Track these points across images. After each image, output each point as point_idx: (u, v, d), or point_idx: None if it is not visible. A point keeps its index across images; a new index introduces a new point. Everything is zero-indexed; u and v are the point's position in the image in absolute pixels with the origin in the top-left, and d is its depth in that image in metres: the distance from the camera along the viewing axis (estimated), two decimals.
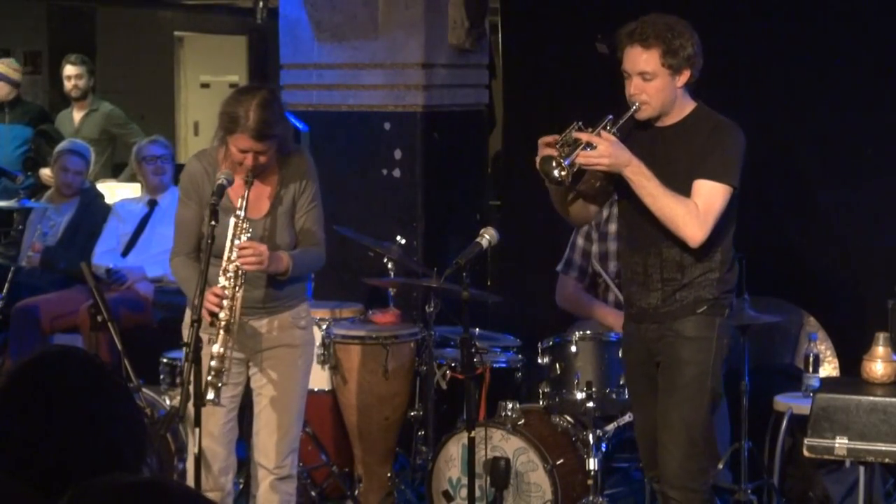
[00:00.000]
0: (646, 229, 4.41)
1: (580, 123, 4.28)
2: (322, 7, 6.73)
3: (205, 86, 14.00)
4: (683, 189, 4.32)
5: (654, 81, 4.32)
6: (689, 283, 4.41)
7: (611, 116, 4.33)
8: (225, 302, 4.42)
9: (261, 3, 8.31)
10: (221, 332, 4.42)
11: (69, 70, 8.70)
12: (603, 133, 4.26)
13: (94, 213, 7.15)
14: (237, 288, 4.45)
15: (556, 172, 4.23)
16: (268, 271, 4.52)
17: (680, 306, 4.42)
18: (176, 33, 13.79)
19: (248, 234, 4.48)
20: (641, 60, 4.32)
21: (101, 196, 7.40)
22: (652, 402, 4.51)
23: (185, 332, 4.63)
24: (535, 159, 4.28)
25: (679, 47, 4.30)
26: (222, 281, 4.44)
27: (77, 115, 8.70)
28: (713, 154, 4.34)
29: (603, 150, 4.23)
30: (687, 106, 4.42)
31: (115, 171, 8.76)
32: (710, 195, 4.31)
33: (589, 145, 4.23)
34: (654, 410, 4.50)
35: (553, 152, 4.24)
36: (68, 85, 8.71)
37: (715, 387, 4.45)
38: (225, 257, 4.46)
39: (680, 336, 4.42)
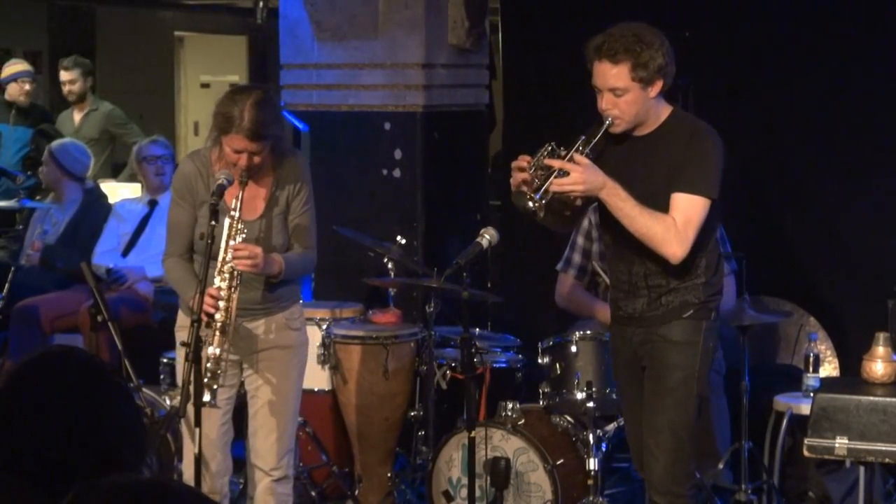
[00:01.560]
0: (629, 241, 4.30)
1: (553, 145, 4.19)
2: (322, 7, 6.72)
3: (205, 86, 13.97)
4: (663, 200, 4.21)
5: (625, 96, 4.19)
6: (675, 288, 4.33)
7: (583, 137, 4.21)
8: (221, 303, 4.39)
9: (261, 3, 8.32)
10: (217, 333, 4.39)
11: (62, 76, 8.71)
12: (576, 157, 4.15)
13: (95, 212, 7.14)
14: (233, 289, 4.42)
15: (530, 205, 4.15)
16: (261, 273, 4.51)
17: (666, 311, 4.35)
18: (176, 33, 13.77)
19: (244, 236, 4.45)
20: (611, 76, 4.19)
21: (104, 196, 7.39)
22: (640, 405, 4.46)
23: (178, 335, 4.63)
24: (510, 182, 4.21)
25: (649, 59, 4.16)
26: (218, 282, 4.42)
27: (77, 116, 8.70)
28: (691, 165, 4.21)
29: (577, 176, 4.12)
30: (663, 113, 4.31)
31: (115, 171, 8.76)
32: (689, 209, 4.19)
33: (562, 172, 4.13)
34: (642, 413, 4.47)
35: (526, 177, 4.16)
36: (64, 90, 8.72)
37: (701, 391, 4.39)
38: (220, 258, 4.43)
39: (666, 340, 4.35)
